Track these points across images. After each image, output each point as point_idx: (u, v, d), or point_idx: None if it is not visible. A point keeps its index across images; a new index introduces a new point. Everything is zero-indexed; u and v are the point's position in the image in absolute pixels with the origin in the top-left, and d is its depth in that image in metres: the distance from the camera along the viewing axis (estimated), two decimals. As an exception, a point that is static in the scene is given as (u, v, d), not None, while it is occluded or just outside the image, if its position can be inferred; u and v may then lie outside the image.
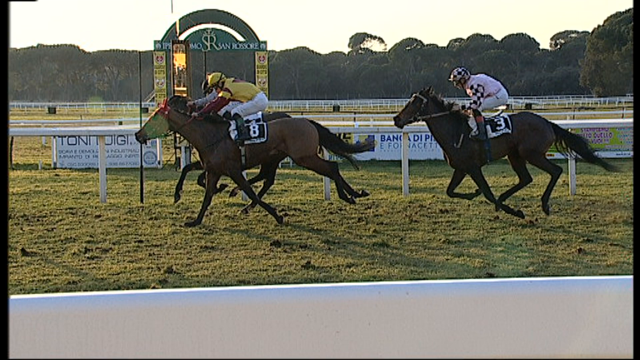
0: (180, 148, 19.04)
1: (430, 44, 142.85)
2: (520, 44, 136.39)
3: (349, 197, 11.87)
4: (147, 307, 2.13)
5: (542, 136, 11.88)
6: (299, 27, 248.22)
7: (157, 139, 18.76)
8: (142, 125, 12.04)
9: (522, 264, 8.53)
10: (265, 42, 27.22)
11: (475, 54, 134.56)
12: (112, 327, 2.09)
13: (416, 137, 21.37)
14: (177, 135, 14.80)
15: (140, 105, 16.27)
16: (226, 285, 7.72)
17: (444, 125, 11.79)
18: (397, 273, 8.19)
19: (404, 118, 11.91)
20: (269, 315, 2.16)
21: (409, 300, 2.21)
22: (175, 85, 19.97)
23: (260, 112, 12.22)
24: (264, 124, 11.76)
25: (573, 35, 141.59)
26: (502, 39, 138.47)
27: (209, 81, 12.45)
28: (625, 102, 76.31)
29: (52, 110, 78.63)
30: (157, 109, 12.15)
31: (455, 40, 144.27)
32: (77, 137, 20.43)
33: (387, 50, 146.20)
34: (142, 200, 13.48)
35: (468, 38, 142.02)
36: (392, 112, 32.26)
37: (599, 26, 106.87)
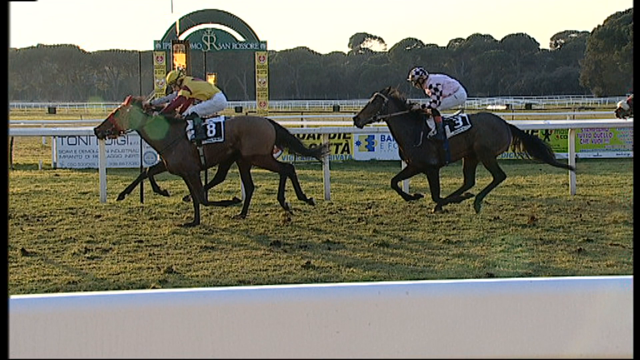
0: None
1: (430, 44, 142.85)
2: (520, 44, 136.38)
3: (309, 198, 11.80)
4: (147, 307, 2.13)
5: (500, 137, 11.91)
6: (299, 27, 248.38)
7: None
8: (103, 121, 11.97)
9: (522, 264, 8.53)
10: (265, 42, 27.22)
11: (475, 54, 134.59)
12: (112, 327, 2.09)
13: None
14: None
15: (140, 105, 16.24)
16: (226, 285, 7.72)
17: (403, 124, 11.83)
18: (397, 273, 8.19)
19: (363, 118, 11.94)
20: (269, 315, 2.16)
21: (409, 300, 2.21)
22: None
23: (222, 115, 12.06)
24: (221, 122, 11.54)
25: (573, 35, 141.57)
26: (502, 39, 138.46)
27: (166, 80, 12.25)
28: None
29: (52, 110, 78.63)
30: (119, 106, 11.90)
31: (455, 40, 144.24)
32: (77, 137, 20.41)
33: (387, 50, 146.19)
34: (142, 200, 13.47)
35: (468, 38, 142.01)
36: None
37: (599, 26, 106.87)
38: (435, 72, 13.03)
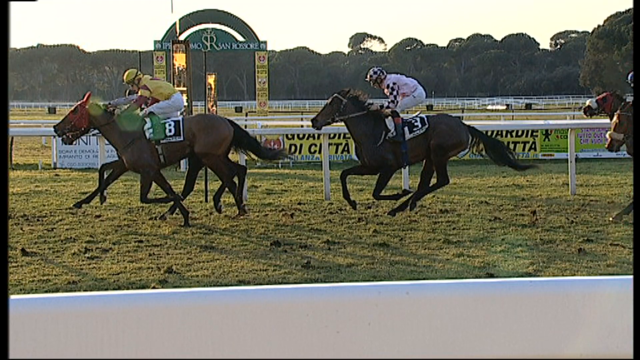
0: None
1: (430, 44, 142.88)
2: (520, 44, 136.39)
3: (219, 204, 11.67)
4: (147, 307, 2.13)
5: (457, 137, 11.88)
6: (299, 27, 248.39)
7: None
8: (62, 118, 11.91)
9: (522, 264, 8.52)
10: (265, 42, 27.24)
11: (475, 54, 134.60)
12: (112, 327, 2.09)
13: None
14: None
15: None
16: (226, 285, 7.72)
17: (362, 125, 11.83)
18: (397, 273, 8.19)
19: (321, 119, 11.93)
20: (269, 315, 2.16)
21: (409, 300, 2.21)
22: (175, 86, 19.97)
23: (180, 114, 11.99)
24: (180, 120, 11.51)
25: (573, 35, 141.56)
26: (502, 39, 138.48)
27: (124, 78, 12.18)
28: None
29: (52, 110, 78.55)
30: (77, 103, 11.73)
31: (455, 40, 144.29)
32: (77, 137, 20.39)
33: (387, 50, 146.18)
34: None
35: (468, 38, 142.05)
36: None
37: (599, 26, 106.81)
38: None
